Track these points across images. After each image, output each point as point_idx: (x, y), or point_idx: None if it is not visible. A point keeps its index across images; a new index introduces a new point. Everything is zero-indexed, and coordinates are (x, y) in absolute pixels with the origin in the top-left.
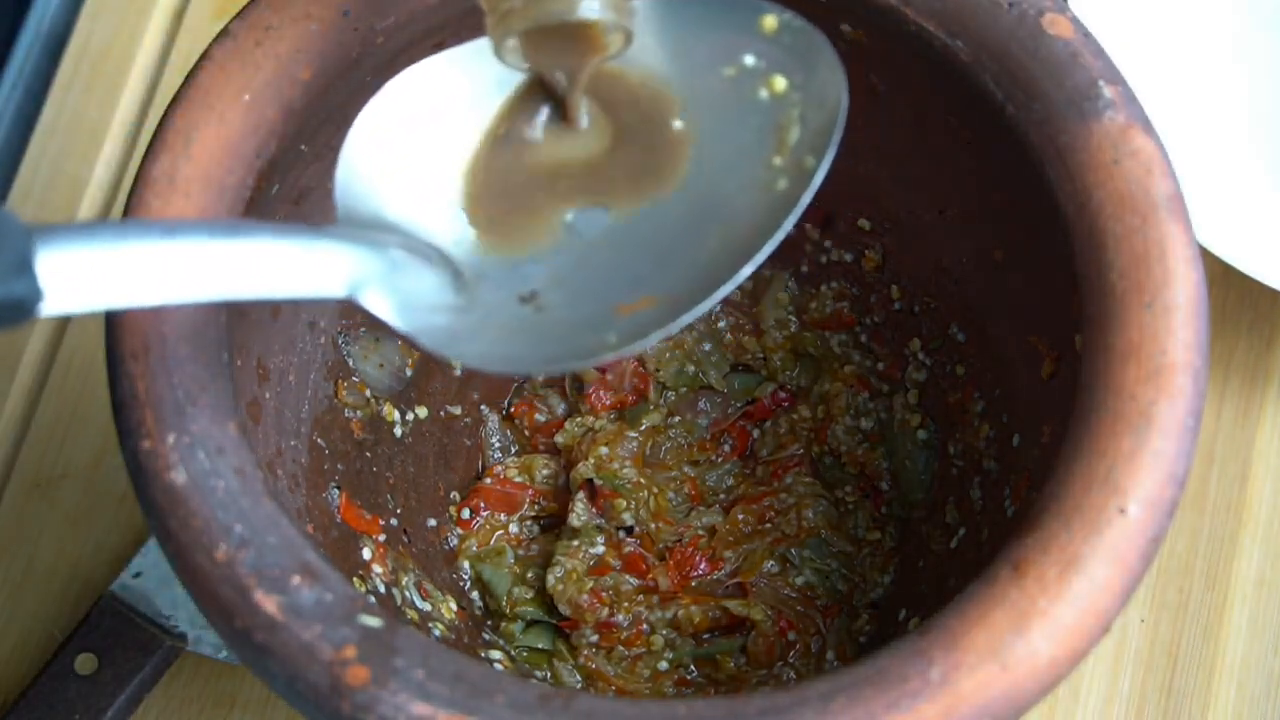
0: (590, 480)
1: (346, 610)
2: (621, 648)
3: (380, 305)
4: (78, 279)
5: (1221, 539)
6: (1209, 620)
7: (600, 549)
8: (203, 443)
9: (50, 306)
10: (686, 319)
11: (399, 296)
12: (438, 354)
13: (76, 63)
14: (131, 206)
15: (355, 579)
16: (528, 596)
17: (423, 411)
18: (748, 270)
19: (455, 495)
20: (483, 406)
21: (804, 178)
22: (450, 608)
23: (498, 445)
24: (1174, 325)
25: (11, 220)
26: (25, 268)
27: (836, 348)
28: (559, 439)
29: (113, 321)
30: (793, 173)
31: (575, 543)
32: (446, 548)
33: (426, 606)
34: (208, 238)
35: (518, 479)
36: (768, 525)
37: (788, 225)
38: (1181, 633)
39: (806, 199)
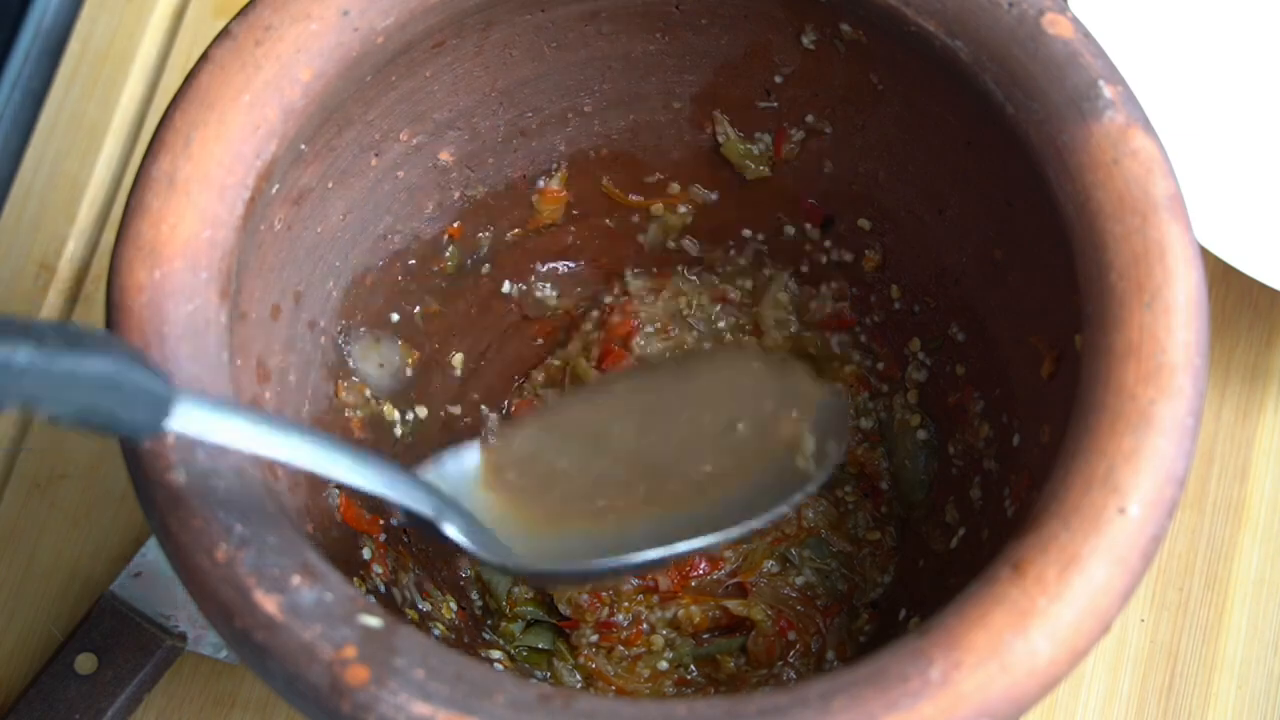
0: None
1: (346, 610)
2: (621, 647)
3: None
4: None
5: (1221, 539)
6: (1209, 620)
7: None
8: (203, 442)
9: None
10: (686, 547)
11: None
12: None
13: (76, 63)
14: (131, 206)
15: (355, 579)
16: (528, 596)
17: (423, 411)
18: (754, 525)
19: None
20: (483, 406)
21: (823, 464)
22: (450, 607)
23: None
24: (1174, 325)
25: (154, 390)
26: (157, 426)
27: (836, 348)
28: None
29: (113, 320)
30: (812, 462)
31: None
32: None
33: (426, 606)
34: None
35: None
36: None
37: (798, 498)
38: (1181, 633)
39: (823, 478)
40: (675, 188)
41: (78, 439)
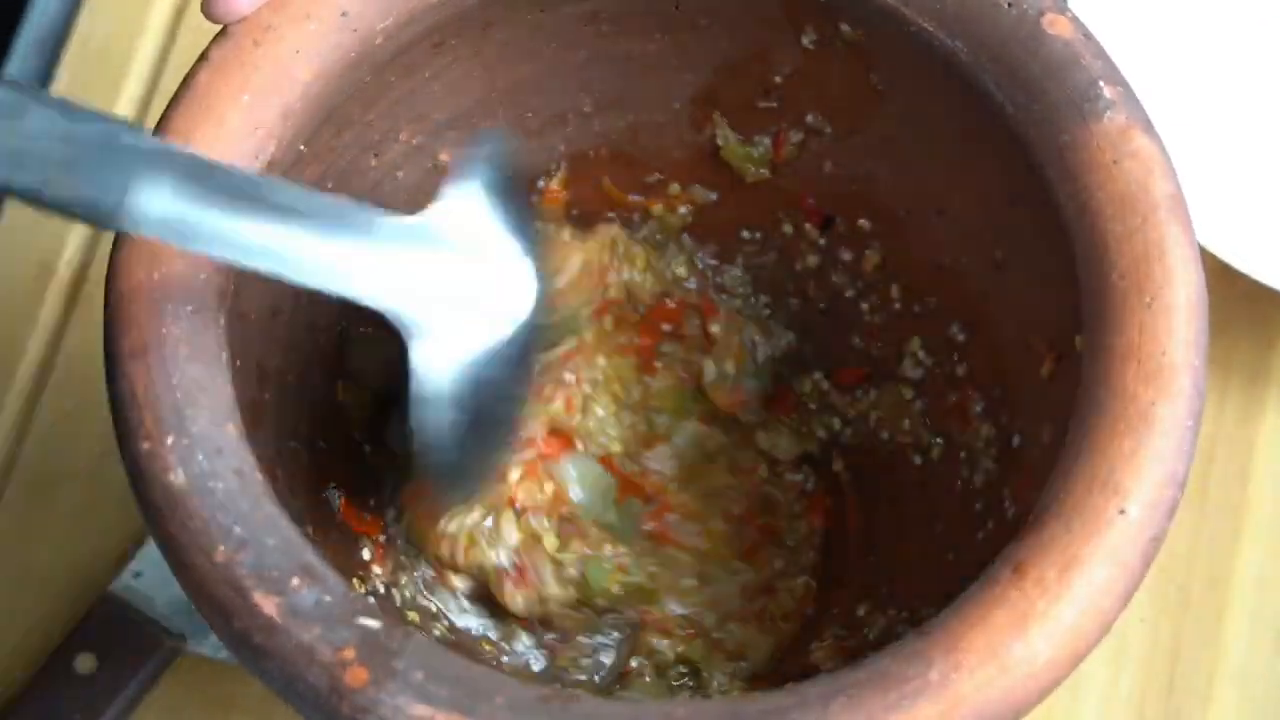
0: None
1: (346, 611)
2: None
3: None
4: (160, 224)
5: (1222, 539)
6: (1209, 620)
7: None
8: (202, 444)
9: (125, 228)
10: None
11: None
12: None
13: (76, 63)
14: None
15: (355, 580)
16: None
17: None
18: None
19: None
20: None
21: None
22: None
23: None
24: (1174, 325)
25: (125, 145)
26: (119, 194)
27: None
28: None
29: (112, 321)
30: None
31: None
32: None
33: (427, 606)
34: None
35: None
36: None
37: None
38: (1182, 633)
39: None
40: (675, 188)
41: (78, 439)
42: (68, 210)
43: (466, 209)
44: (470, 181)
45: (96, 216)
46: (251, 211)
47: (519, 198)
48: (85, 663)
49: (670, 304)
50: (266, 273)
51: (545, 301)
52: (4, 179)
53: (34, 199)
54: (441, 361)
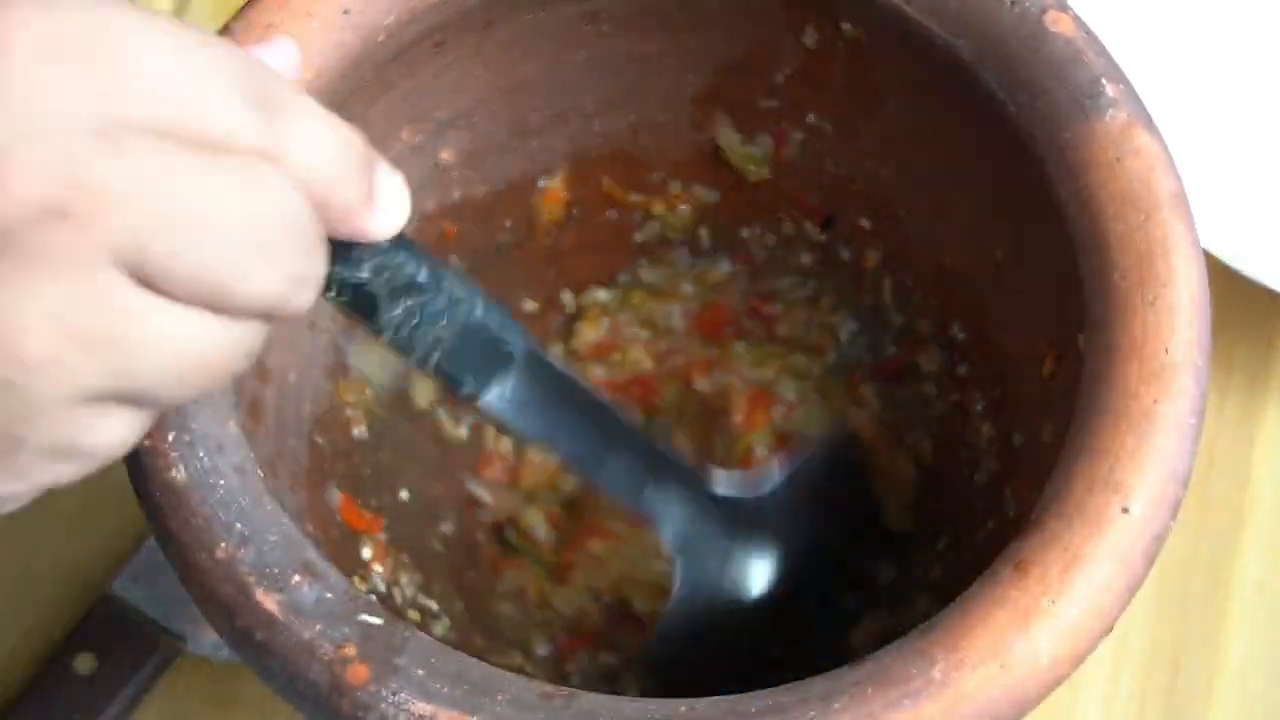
0: None
1: (347, 609)
2: None
3: None
4: (502, 405)
5: (1223, 539)
6: (1210, 620)
7: None
8: (203, 441)
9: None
10: None
11: None
12: None
13: None
14: None
15: (356, 578)
16: None
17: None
18: None
19: None
20: None
21: None
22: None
23: None
24: (1177, 324)
25: (501, 346)
26: (484, 386)
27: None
28: None
29: None
30: None
31: None
32: None
33: (428, 604)
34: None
35: None
36: None
37: None
38: (1182, 633)
39: None
40: (676, 187)
41: None
42: (433, 377)
43: (775, 506)
44: (792, 480)
45: (455, 393)
46: (589, 429)
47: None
48: (85, 663)
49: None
50: (565, 459)
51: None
52: (405, 346)
53: (413, 362)
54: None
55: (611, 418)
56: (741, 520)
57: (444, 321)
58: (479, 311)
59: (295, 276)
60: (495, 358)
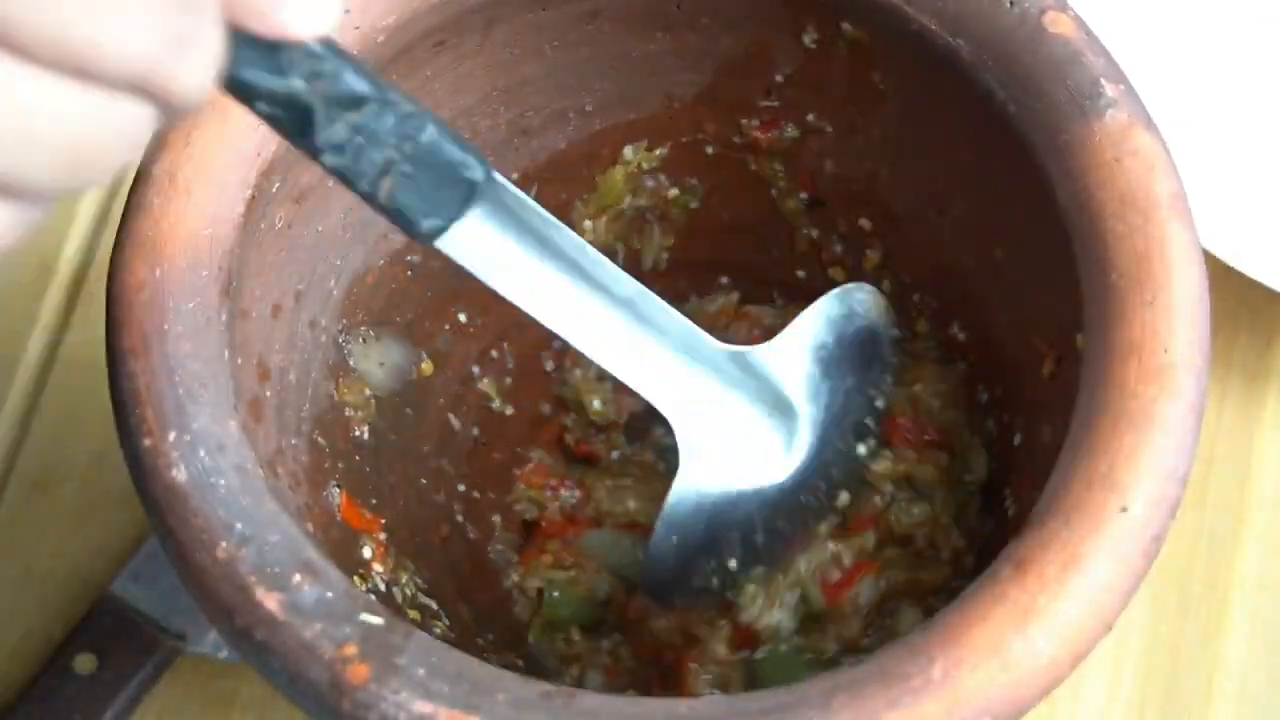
0: None
1: (348, 608)
2: None
3: None
4: (470, 249)
5: (1222, 538)
6: (1210, 620)
7: None
8: (204, 440)
9: (439, 246)
10: None
11: None
12: None
13: None
14: (132, 204)
15: (356, 577)
16: None
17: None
18: None
19: None
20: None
21: None
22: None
23: None
24: (1175, 324)
25: (461, 170)
26: (449, 221)
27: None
28: None
29: (113, 318)
30: None
31: None
32: None
33: (428, 603)
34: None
35: None
36: None
37: None
38: (1182, 633)
39: None
40: (675, 188)
41: (78, 439)
42: (386, 214)
43: (786, 356)
44: (803, 331)
45: (412, 231)
46: (571, 275)
47: (865, 356)
48: (85, 663)
49: None
50: (549, 326)
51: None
52: (349, 172)
53: (361, 194)
54: (689, 484)
55: (593, 261)
56: (750, 379)
57: (393, 142)
58: (432, 131)
59: (171, 35)
60: (455, 187)
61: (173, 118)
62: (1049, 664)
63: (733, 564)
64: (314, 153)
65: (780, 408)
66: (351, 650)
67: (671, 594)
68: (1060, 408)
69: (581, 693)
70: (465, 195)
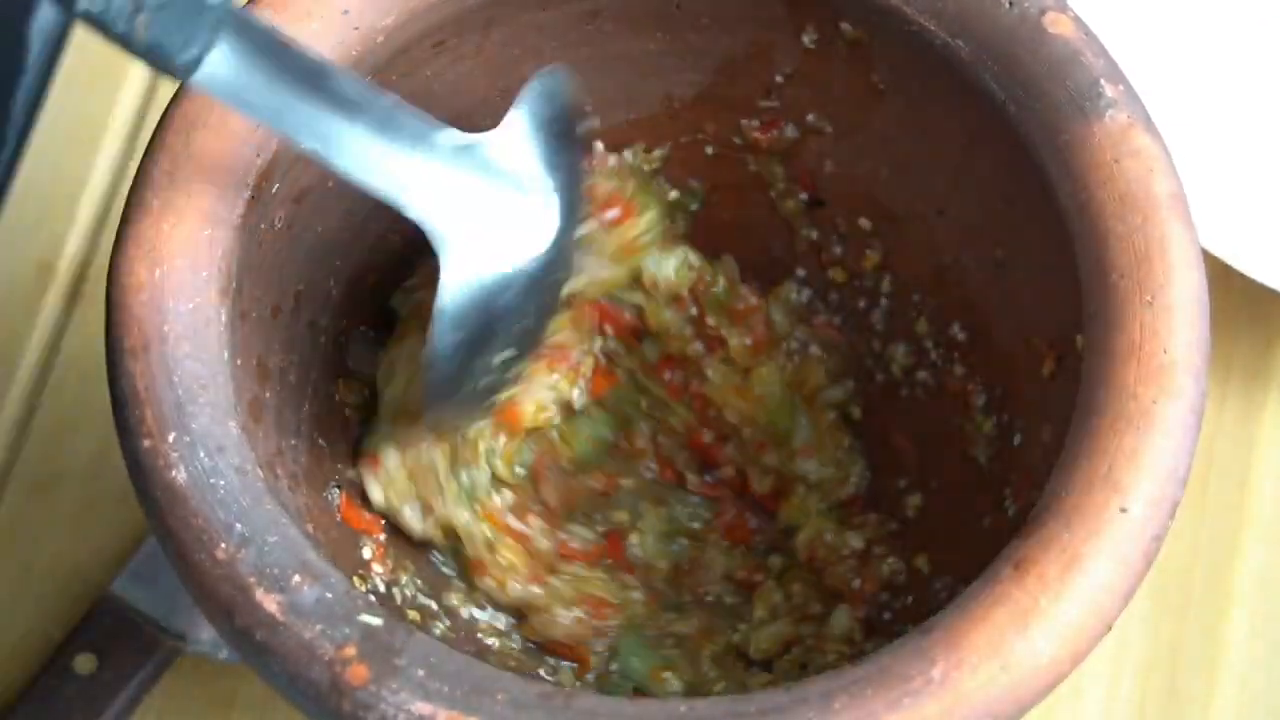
0: None
1: (347, 609)
2: None
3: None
4: (226, 83)
5: (1222, 539)
6: (1210, 620)
7: None
8: (203, 441)
9: (191, 82)
10: None
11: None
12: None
13: (76, 62)
14: (131, 205)
15: (355, 578)
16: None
17: None
18: None
19: None
20: None
21: None
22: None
23: None
24: (1175, 324)
25: (214, 5)
26: (200, 51)
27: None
28: None
29: (113, 319)
30: None
31: None
32: None
33: (428, 604)
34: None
35: None
36: None
37: None
38: (1182, 633)
39: None
40: (675, 188)
41: (78, 439)
42: (145, 55)
43: (517, 137)
44: (524, 113)
45: (170, 67)
46: (315, 94)
47: (569, 134)
48: (85, 663)
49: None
50: (314, 156)
51: (567, 246)
52: (96, 11)
53: (118, 38)
54: (460, 277)
55: (339, 82)
56: (492, 163)
57: None
58: None
59: None
60: (200, 18)
61: None
62: (1049, 664)
63: (503, 356)
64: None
65: (525, 186)
66: (351, 651)
67: (453, 395)
68: (1060, 408)
69: (580, 693)
70: (213, 27)
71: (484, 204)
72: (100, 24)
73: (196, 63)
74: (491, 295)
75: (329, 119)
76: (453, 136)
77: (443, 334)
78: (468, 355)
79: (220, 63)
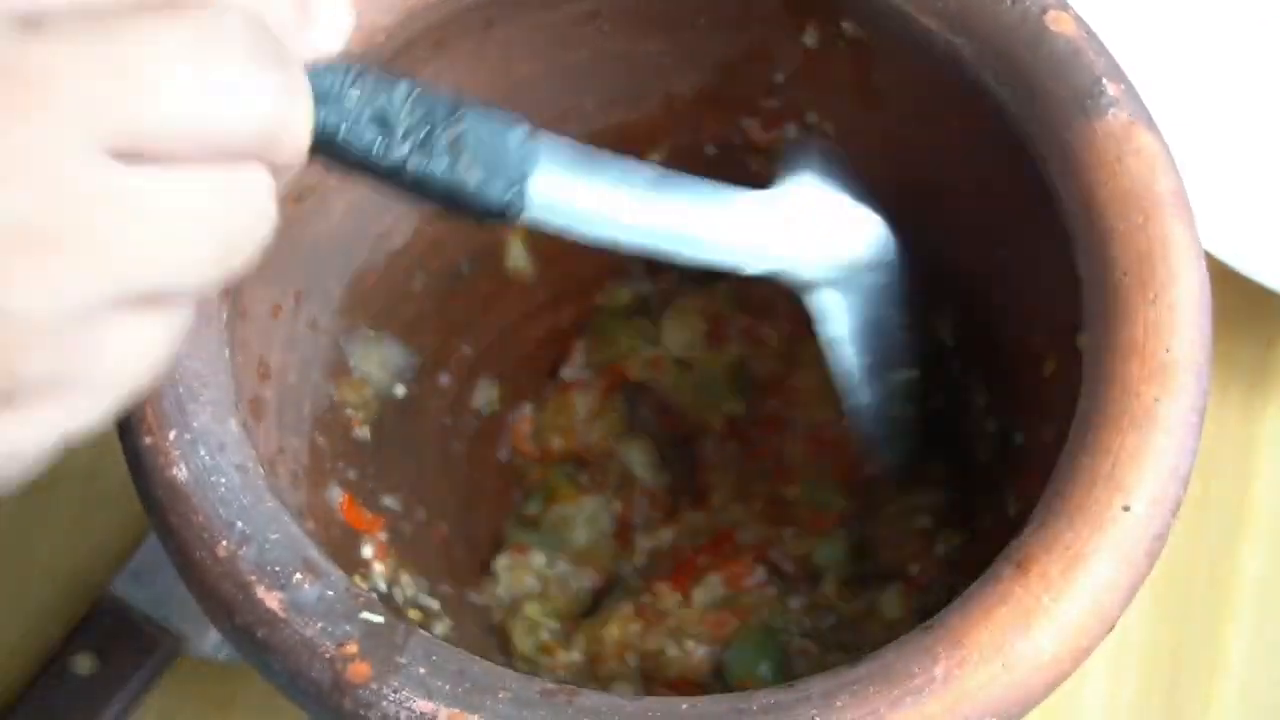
0: None
1: (348, 607)
2: None
3: None
4: (552, 207)
5: (1223, 538)
6: (1211, 620)
7: None
8: (204, 439)
9: (525, 219)
10: None
11: None
12: None
13: None
14: None
15: (356, 578)
16: None
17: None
18: None
19: None
20: None
21: None
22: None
23: None
24: (1177, 323)
25: (517, 137)
26: (520, 186)
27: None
28: None
29: None
30: None
31: None
32: None
33: (429, 603)
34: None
35: None
36: None
37: None
38: (1183, 633)
39: None
40: None
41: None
42: (472, 203)
43: (808, 187)
44: (804, 169)
45: (501, 209)
46: (639, 193)
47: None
48: (85, 663)
49: None
50: (655, 252)
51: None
52: (427, 168)
53: (446, 192)
54: (838, 305)
55: (644, 168)
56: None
57: (456, 115)
58: (470, 99)
59: (279, 85)
60: (517, 148)
61: (283, 176)
62: (1052, 663)
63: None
64: (398, 164)
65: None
66: (352, 648)
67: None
68: (1062, 407)
69: (582, 691)
70: (531, 155)
71: (818, 240)
72: (423, 181)
73: (519, 197)
74: (869, 310)
75: (660, 212)
76: (755, 194)
77: (848, 358)
78: (875, 379)
79: (543, 188)
